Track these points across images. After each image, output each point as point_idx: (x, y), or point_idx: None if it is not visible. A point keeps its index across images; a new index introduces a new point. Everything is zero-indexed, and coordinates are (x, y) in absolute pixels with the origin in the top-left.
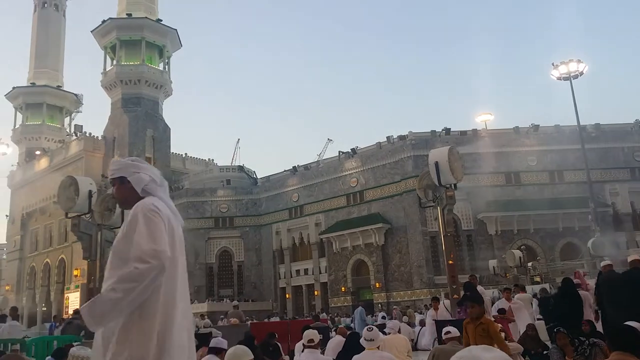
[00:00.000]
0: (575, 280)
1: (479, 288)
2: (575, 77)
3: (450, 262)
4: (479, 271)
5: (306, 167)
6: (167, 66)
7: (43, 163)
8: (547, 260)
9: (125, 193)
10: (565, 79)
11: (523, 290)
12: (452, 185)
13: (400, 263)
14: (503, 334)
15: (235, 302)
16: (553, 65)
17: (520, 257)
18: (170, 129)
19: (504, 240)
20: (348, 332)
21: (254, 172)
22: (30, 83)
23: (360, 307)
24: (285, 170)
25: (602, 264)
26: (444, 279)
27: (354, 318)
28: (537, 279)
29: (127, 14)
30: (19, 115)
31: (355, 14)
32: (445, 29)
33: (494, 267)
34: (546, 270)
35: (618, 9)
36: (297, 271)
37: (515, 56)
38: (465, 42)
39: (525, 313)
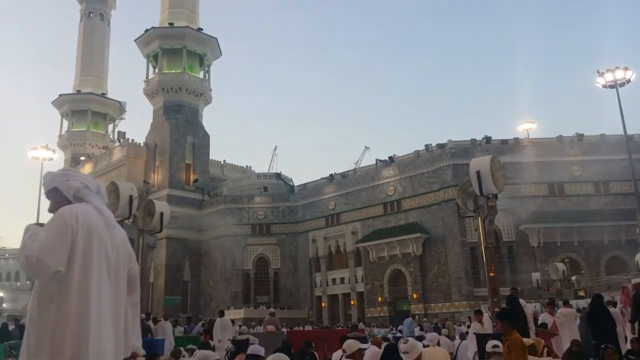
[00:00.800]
0: (606, 298)
1: (521, 301)
2: (622, 84)
3: (492, 274)
4: (521, 284)
5: (343, 175)
6: (207, 74)
7: (87, 169)
8: (591, 274)
9: (58, 203)
10: (612, 86)
11: (567, 304)
12: (494, 195)
13: (438, 274)
14: (546, 350)
15: (271, 310)
16: (598, 72)
17: (563, 270)
18: (209, 136)
19: (547, 252)
20: (384, 343)
21: (291, 179)
22: (76, 91)
23: (409, 318)
24: (322, 178)
25: (633, 281)
26: (484, 291)
27: (392, 328)
28: (582, 293)
29: (169, 23)
30: (65, 122)
31: (394, 24)
32: (487, 36)
33: (537, 280)
34: (591, 284)
35: None
36: (333, 280)
37: (559, 63)
38: (508, 49)
39: (570, 328)
